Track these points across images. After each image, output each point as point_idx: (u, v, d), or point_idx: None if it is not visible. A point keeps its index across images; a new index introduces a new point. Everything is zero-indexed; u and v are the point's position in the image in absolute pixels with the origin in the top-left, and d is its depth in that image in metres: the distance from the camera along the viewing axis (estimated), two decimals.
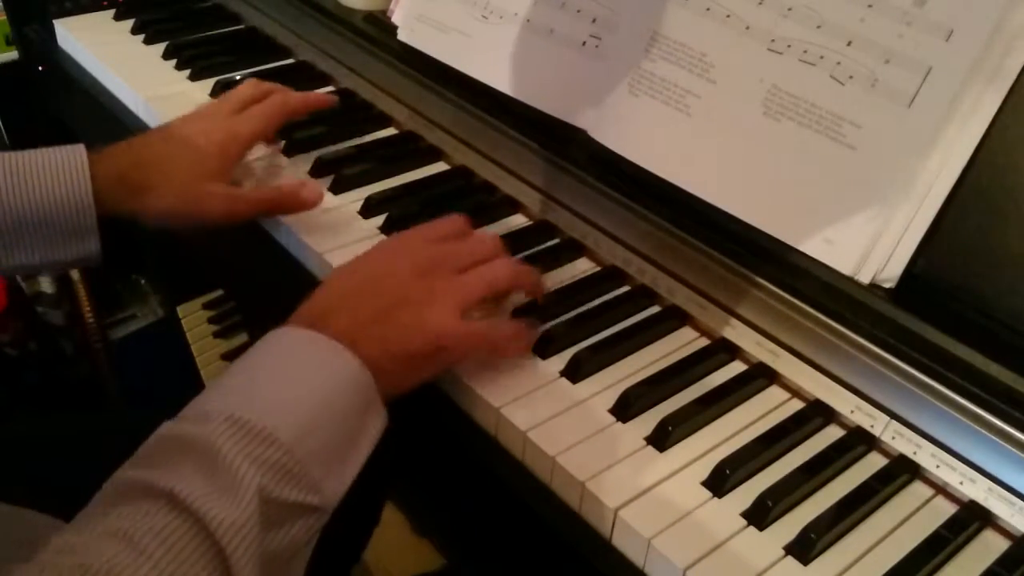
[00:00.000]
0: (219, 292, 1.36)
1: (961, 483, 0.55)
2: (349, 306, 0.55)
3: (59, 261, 0.68)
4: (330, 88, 0.95)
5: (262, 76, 0.95)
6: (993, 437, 0.53)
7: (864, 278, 0.59)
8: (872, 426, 0.58)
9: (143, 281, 1.44)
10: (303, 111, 0.81)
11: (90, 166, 0.67)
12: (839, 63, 0.60)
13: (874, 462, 0.58)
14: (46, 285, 1.32)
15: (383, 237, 0.73)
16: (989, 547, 0.53)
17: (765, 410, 0.60)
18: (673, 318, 0.67)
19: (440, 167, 0.84)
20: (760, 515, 0.52)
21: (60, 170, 0.66)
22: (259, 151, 0.82)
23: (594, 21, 0.73)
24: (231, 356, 1.35)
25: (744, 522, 0.53)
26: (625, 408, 0.58)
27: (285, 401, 0.48)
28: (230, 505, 0.43)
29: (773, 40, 0.63)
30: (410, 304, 0.56)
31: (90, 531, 0.43)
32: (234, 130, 0.74)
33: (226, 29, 1.07)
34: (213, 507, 0.43)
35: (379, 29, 0.89)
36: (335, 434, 0.50)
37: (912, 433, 0.56)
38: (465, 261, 0.60)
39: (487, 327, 0.60)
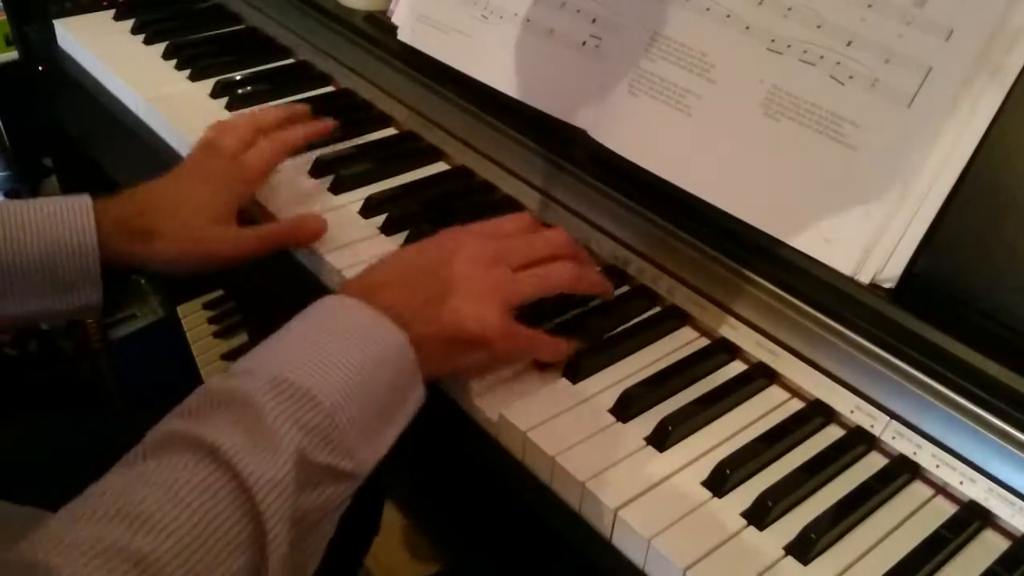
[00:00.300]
0: (219, 292, 1.36)
1: (961, 483, 0.55)
2: (402, 285, 0.56)
3: (58, 311, 0.67)
4: (330, 88, 0.95)
5: (262, 76, 0.96)
6: (993, 437, 0.53)
7: (864, 278, 0.59)
8: (872, 426, 0.58)
9: (143, 281, 1.44)
10: (304, 145, 0.80)
11: (95, 213, 0.66)
12: (839, 63, 0.60)
13: (874, 462, 0.58)
14: None
15: (383, 237, 0.73)
16: (989, 547, 0.53)
17: (765, 410, 0.60)
18: (673, 318, 0.67)
19: (440, 167, 0.84)
20: (760, 515, 0.52)
21: (64, 217, 0.65)
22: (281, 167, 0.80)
23: (594, 21, 0.73)
24: (231, 356, 1.35)
25: (744, 522, 0.53)
26: (625, 408, 0.58)
27: (330, 366, 0.49)
28: (268, 463, 0.44)
29: (773, 40, 0.63)
30: (462, 293, 0.56)
31: (132, 475, 0.44)
32: (240, 173, 0.73)
33: (226, 29, 1.07)
34: (251, 463, 0.43)
35: (379, 29, 0.89)
36: (375, 404, 0.50)
37: (912, 433, 0.56)
38: (524, 259, 0.60)
39: (532, 331, 0.60)
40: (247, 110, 0.82)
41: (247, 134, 0.75)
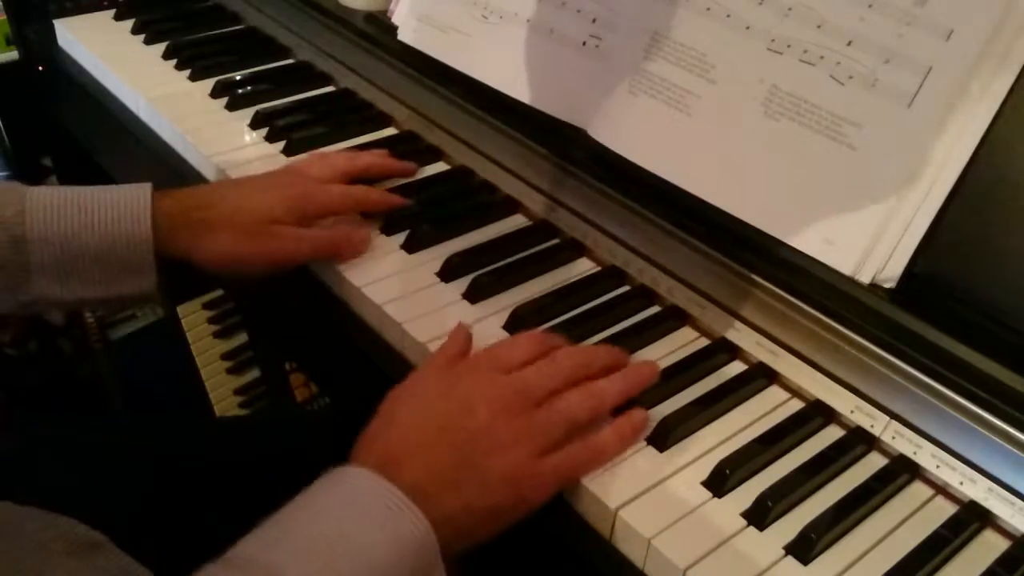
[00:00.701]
0: (219, 292, 1.36)
1: (961, 483, 0.55)
2: (424, 454, 0.51)
3: (116, 296, 0.67)
4: (330, 88, 0.95)
5: (262, 76, 0.96)
6: (993, 437, 0.53)
7: (864, 278, 0.59)
8: (872, 426, 0.58)
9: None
10: (378, 210, 0.75)
11: (153, 202, 0.66)
12: (839, 63, 0.60)
13: (874, 462, 0.58)
14: None
15: (383, 237, 0.73)
16: (989, 547, 0.53)
17: (765, 410, 0.60)
18: (673, 318, 0.67)
19: (440, 167, 0.84)
20: (760, 515, 0.52)
21: (122, 205, 0.65)
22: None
23: (594, 21, 0.73)
24: (231, 356, 1.35)
25: (744, 522, 0.53)
26: (624, 406, 0.58)
27: (337, 565, 0.45)
28: None
29: (773, 40, 0.63)
30: (490, 452, 0.51)
31: None
32: (311, 193, 0.72)
33: (226, 29, 1.07)
34: None
35: (379, 29, 0.89)
36: None
37: (912, 433, 0.56)
38: (546, 392, 0.55)
39: (573, 460, 0.54)
40: (338, 150, 0.81)
41: (336, 171, 0.75)
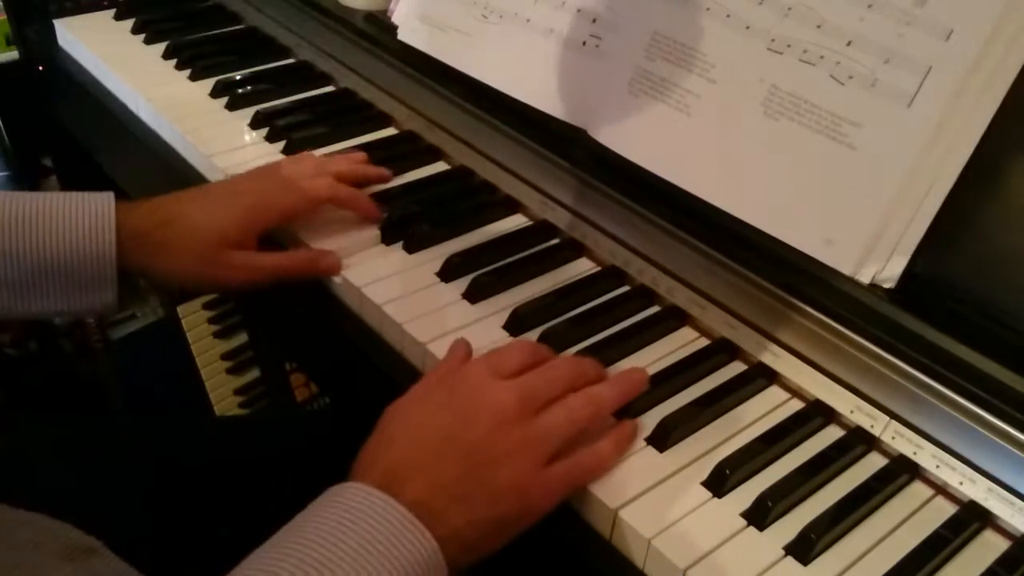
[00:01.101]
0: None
1: (961, 483, 0.55)
2: (427, 468, 0.50)
3: (75, 310, 0.66)
4: (330, 88, 0.95)
5: (262, 76, 0.96)
6: (993, 437, 0.53)
7: (864, 278, 0.59)
8: (872, 426, 0.58)
9: (143, 281, 1.44)
10: (361, 212, 0.75)
11: (117, 217, 0.65)
12: (839, 63, 0.60)
13: (874, 462, 0.58)
14: None
15: (383, 237, 0.73)
16: (989, 547, 0.53)
17: (765, 410, 0.60)
18: (673, 318, 0.67)
19: (440, 167, 0.84)
20: (760, 515, 0.52)
21: (85, 220, 0.64)
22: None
23: (594, 21, 0.73)
24: (231, 356, 1.35)
25: (744, 522, 0.53)
26: (625, 408, 0.58)
27: None
28: None
29: (773, 40, 0.63)
30: (495, 462, 0.50)
31: None
32: (273, 199, 0.70)
33: (226, 29, 1.07)
34: None
35: (379, 29, 0.89)
36: None
37: (912, 433, 0.56)
38: (542, 399, 0.54)
39: (578, 467, 0.54)
40: (312, 152, 0.80)
41: (311, 168, 0.74)
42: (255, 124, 0.87)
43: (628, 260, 0.70)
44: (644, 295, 0.69)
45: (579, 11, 0.74)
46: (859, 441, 0.58)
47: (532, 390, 0.54)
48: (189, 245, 0.67)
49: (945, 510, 0.55)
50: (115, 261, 0.65)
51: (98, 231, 0.64)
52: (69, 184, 1.27)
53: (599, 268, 0.72)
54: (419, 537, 0.47)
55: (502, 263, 0.71)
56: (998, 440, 0.53)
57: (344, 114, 0.90)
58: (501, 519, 0.50)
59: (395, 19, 0.87)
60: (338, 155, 0.79)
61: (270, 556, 0.45)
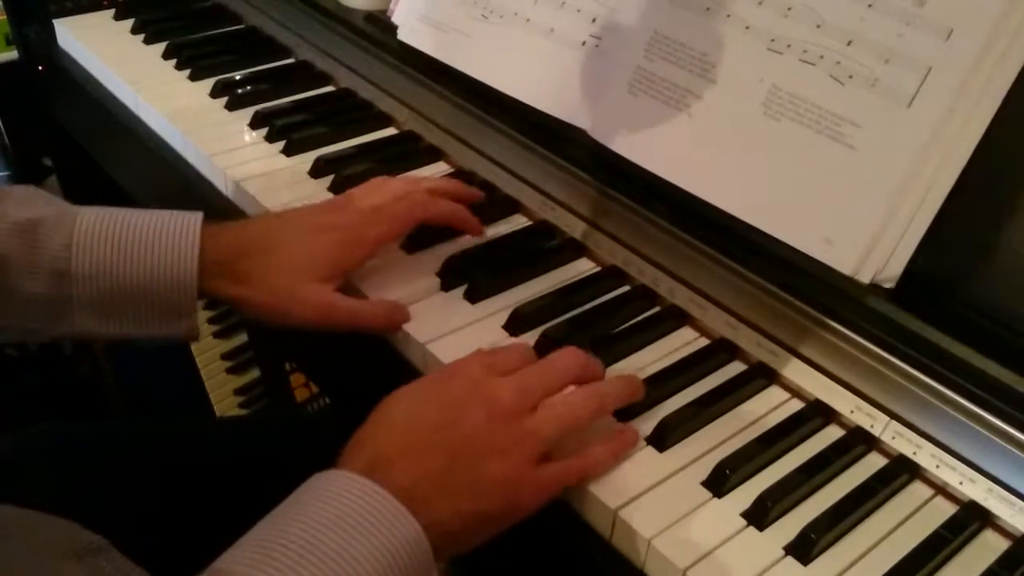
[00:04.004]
0: None
1: (961, 483, 0.55)
2: (415, 456, 0.49)
3: (153, 335, 0.64)
4: (330, 88, 0.95)
5: (262, 76, 0.96)
6: (993, 437, 0.53)
7: (864, 278, 0.59)
8: (872, 426, 0.58)
9: None
10: (442, 220, 0.71)
11: (202, 243, 0.63)
12: (839, 63, 0.60)
13: (874, 462, 0.58)
14: None
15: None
16: (989, 547, 0.53)
17: (765, 410, 0.60)
18: (673, 318, 0.67)
19: (440, 167, 0.84)
20: (760, 515, 0.52)
21: (170, 243, 0.62)
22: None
23: (594, 21, 0.73)
24: (231, 356, 1.35)
25: (744, 522, 0.53)
26: (625, 408, 0.58)
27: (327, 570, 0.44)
28: None
29: (773, 40, 0.63)
30: (483, 456, 0.50)
31: None
32: (359, 232, 0.66)
33: (226, 29, 1.07)
34: None
35: (379, 29, 0.89)
36: None
37: (912, 433, 0.56)
38: (537, 396, 0.53)
39: (569, 470, 0.53)
40: (405, 175, 0.77)
41: (399, 189, 0.70)
42: (255, 124, 0.87)
43: (628, 260, 0.70)
44: (644, 295, 0.69)
45: (579, 11, 0.74)
46: (859, 441, 0.58)
47: (528, 386, 0.53)
48: (270, 279, 0.64)
49: (945, 510, 0.55)
50: (196, 288, 0.63)
51: (182, 256, 0.62)
52: (69, 184, 1.27)
53: (599, 268, 0.72)
54: (402, 521, 0.46)
55: (502, 263, 0.71)
56: (998, 440, 0.53)
57: (344, 114, 0.90)
58: (486, 513, 0.50)
59: (395, 19, 0.87)
60: (439, 200, 0.72)
61: (252, 549, 0.45)
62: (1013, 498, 0.53)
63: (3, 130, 1.26)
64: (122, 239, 0.62)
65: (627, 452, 0.56)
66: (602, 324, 0.66)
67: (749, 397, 0.61)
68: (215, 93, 0.92)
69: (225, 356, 1.36)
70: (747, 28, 0.64)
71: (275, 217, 0.69)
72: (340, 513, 0.46)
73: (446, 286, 0.69)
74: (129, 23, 1.04)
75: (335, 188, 0.79)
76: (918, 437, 0.56)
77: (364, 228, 0.66)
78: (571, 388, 0.55)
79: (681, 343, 0.66)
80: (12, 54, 1.17)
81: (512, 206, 0.78)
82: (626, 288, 0.70)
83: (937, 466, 0.55)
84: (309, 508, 0.46)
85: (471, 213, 0.73)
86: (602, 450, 0.54)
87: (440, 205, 0.71)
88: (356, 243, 0.66)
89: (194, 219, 0.64)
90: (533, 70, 0.76)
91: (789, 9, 0.62)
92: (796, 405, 0.61)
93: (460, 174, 0.82)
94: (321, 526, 0.45)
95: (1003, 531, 0.54)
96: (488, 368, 0.54)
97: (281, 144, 0.85)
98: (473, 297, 0.67)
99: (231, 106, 0.90)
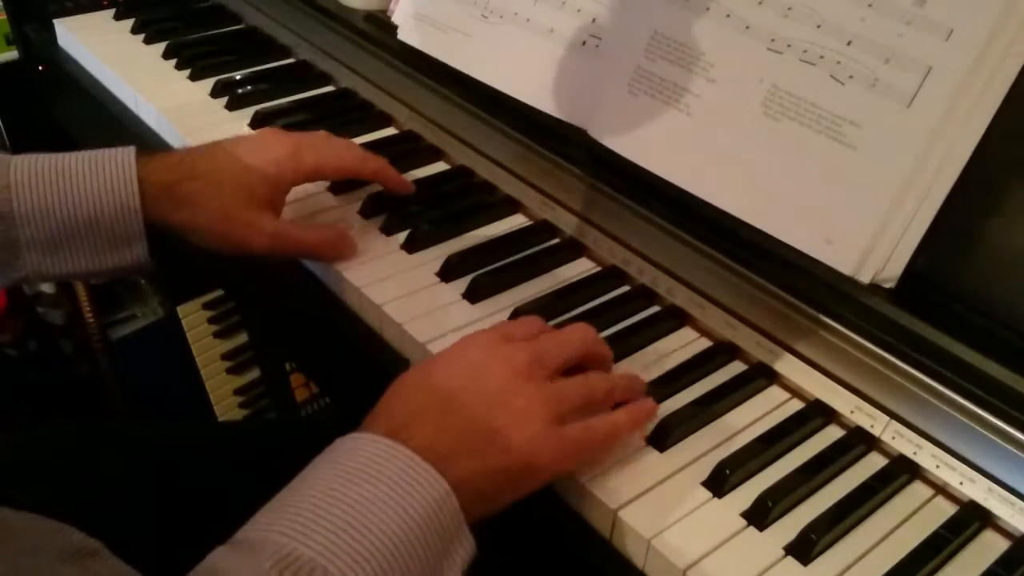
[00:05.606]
0: (219, 292, 1.36)
1: (961, 483, 0.55)
2: (435, 415, 0.49)
3: (106, 268, 0.66)
4: (330, 88, 0.95)
5: (262, 76, 0.96)
6: (993, 437, 0.53)
7: (864, 278, 0.59)
8: (872, 426, 0.58)
9: (143, 281, 1.44)
10: (374, 178, 0.75)
11: (138, 170, 0.64)
12: (839, 63, 0.60)
13: (874, 462, 0.58)
14: (46, 285, 1.31)
15: (384, 236, 0.73)
16: (989, 547, 0.53)
17: (765, 410, 0.60)
18: (673, 318, 0.67)
19: (440, 167, 0.84)
20: (760, 515, 0.52)
21: (107, 173, 0.63)
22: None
23: (594, 21, 0.73)
24: (231, 356, 1.35)
25: (744, 522, 0.53)
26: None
27: (353, 536, 0.43)
28: None
29: (773, 40, 0.63)
30: (504, 412, 0.50)
31: None
32: (298, 153, 0.69)
33: (226, 29, 1.07)
34: None
35: (379, 29, 0.89)
36: None
37: (912, 433, 0.56)
38: (559, 360, 0.54)
39: (593, 431, 0.53)
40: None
41: (342, 142, 0.73)
42: (255, 124, 0.87)
43: (628, 260, 0.70)
44: (644, 295, 0.69)
45: (579, 11, 0.74)
46: (859, 441, 0.58)
47: (544, 350, 0.54)
48: (216, 199, 0.65)
49: (945, 510, 0.55)
50: (140, 212, 0.64)
51: (120, 183, 0.63)
52: None
53: (599, 268, 0.72)
54: (428, 479, 0.46)
55: (502, 263, 0.71)
56: (998, 440, 0.53)
57: (344, 114, 0.90)
58: (512, 471, 0.49)
59: (395, 19, 0.87)
60: (372, 155, 0.76)
61: (278, 514, 0.45)
62: (1013, 498, 0.53)
63: (3, 130, 1.26)
64: (61, 176, 0.63)
65: (645, 421, 0.56)
66: (602, 324, 0.66)
67: (749, 397, 0.61)
68: (215, 93, 0.92)
69: (225, 356, 1.36)
70: (747, 28, 0.64)
71: (221, 141, 0.70)
72: (364, 474, 0.45)
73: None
74: (129, 23, 1.04)
75: (335, 187, 0.79)
76: (918, 437, 0.56)
77: (308, 152, 0.69)
78: None
79: (681, 343, 0.66)
80: (12, 54, 1.17)
81: (512, 206, 0.78)
82: (626, 288, 0.70)
83: (937, 466, 0.55)
84: (332, 471, 0.46)
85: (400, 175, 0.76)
86: (623, 415, 0.54)
87: (371, 162, 0.74)
88: (299, 161, 0.68)
89: (127, 149, 0.65)
90: (533, 70, 0.76)
91: (789, 9, 0.62)
92: (796, 405, 0.61)
93: (460, 174, 0.82)
94: (346, 488, 0.45)
95: (1003, 531, 0.54)
96: (503, 336, 0.55)
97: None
98: (473, 297, 0.67)
99: (231, 106, 0.90)
